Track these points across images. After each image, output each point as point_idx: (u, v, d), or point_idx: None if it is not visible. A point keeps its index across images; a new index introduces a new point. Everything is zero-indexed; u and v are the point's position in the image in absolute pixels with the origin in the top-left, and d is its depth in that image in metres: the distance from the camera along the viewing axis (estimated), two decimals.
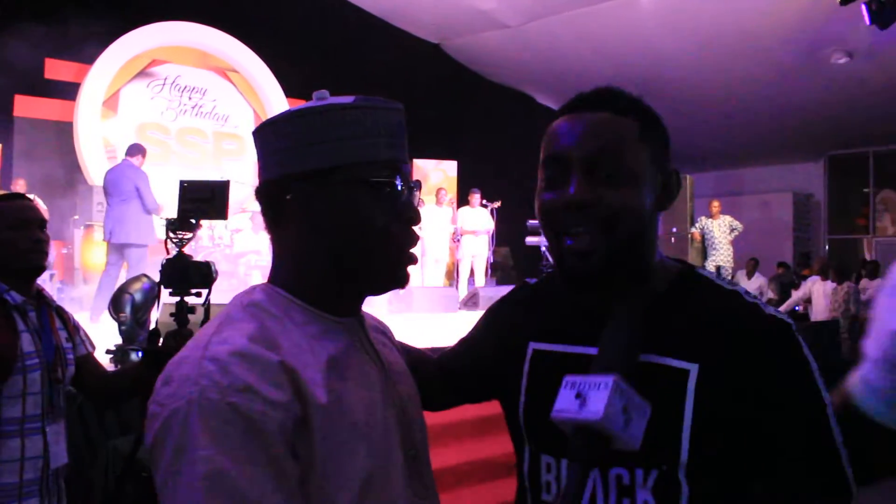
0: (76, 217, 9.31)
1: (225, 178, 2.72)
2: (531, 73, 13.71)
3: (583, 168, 1.06)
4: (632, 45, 11.97)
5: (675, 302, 1.10)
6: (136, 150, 7.66)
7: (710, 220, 11.99)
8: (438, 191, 11.49)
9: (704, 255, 12.16)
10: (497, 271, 12.32)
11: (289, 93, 11.65)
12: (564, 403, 0.95)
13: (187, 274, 2.46)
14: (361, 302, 1.12)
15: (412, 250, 1.09)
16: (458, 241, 11.20)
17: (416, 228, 1.09)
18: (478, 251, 11.27)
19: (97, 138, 10.41)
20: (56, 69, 10.13)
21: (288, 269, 1.07)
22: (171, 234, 2.57)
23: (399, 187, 1.05)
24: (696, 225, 12.11)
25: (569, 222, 1.07)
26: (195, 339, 0.99)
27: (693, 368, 1.03)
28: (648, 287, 1.12)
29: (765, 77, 12.00)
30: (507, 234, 12.15)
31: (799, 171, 15.34)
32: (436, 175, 12.66)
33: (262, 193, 1.07)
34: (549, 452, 1.14)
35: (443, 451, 4.02)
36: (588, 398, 0.93)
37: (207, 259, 2.58)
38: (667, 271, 1.14)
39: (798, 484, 1.04)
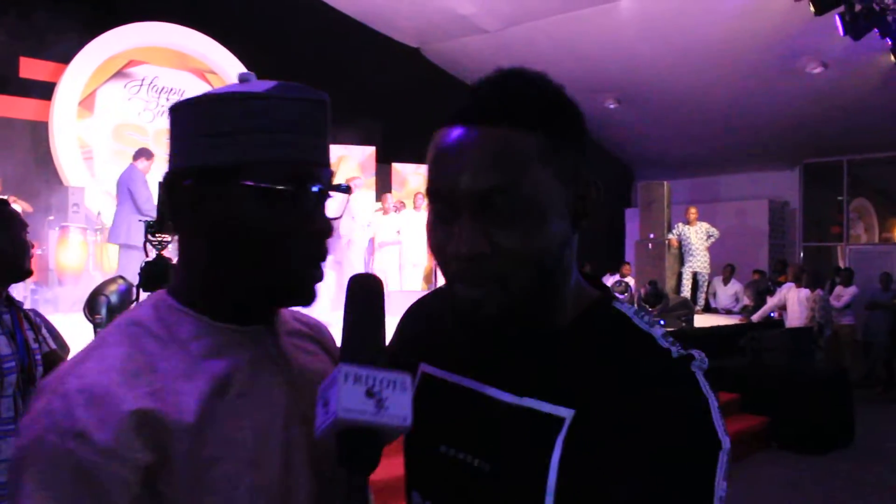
0: (51, 218, 9.21)
1: None
2: None
3: (472, 206, 0.86)
4: (609, 52, 12.04)
5: (572, 339, 0.92)
6: (139, 153, 7.72)
7: (688, 226, 12.10)
8: (416, 195, 11.50)
9: (681, 261, 12.25)
10: None
11: None
12: (319, 418, 0.84)
13: (166, 276, 2.46)
14: (269, 309, 1.00)
15: (320, 264, 0.96)
16: None
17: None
18: None
19: (73, 139, 10.29)
20: (31, 68, 10.01)
21: (182, 276, 0.98)
22: (151, 237, 2.57)
23: (307, 193, 0.92)
24: (674, 231, 12.20)
25: (459, 272, 0.89)
26: (68, 361, 0.90)
27: (568, 415, 0.87)
28: (552, 321, 0.94)
29: (741, 85, 12.12)
30: None
31: (775, 178, 15.47)
32: (415, 179, 12.66)
33: (163, 187, 0.96)
34: (418, 488, 1.02)
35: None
36: (329, 401, 0.82)
37: None
38: (579, 301, 0.96)
39: None
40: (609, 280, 12.80)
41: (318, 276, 0.96)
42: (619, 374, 0.86)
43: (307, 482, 0.96)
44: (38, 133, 10.11)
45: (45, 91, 10.11)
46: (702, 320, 10.52)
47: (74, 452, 0.80)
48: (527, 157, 0.86)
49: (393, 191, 12.32)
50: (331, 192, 0.97)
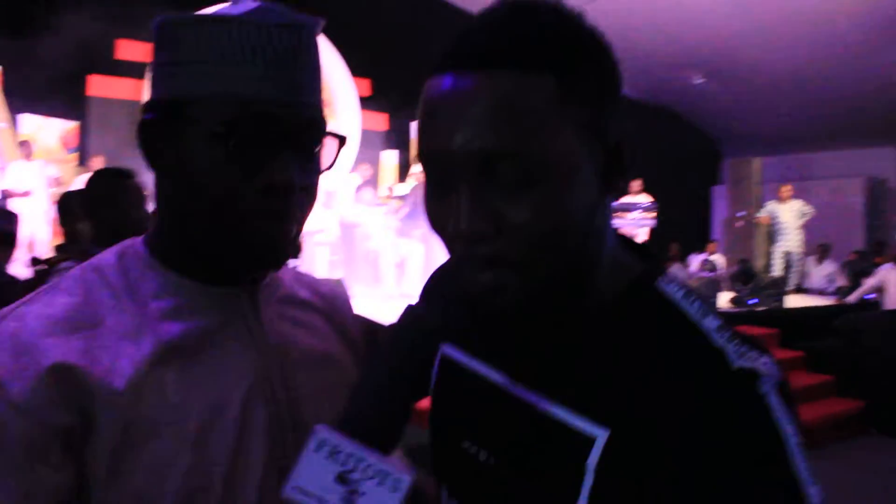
0: (147, 193, 9.55)
1: None
2: None
3: (472, 174, 0.68)
4: (697, 26, 11.73)
5: (607, 330, 0.75)
6: None
7: (780, 204, 11.73)
8: None
9: (772, 240, 11.91)
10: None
11: (355, 72, 11.73)
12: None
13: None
14: (249, 269, 0.88)
15: (283, 224, 0.82)
16: None
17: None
18: None
19: None
20: (127, 49, 10.37)
21: (155, 223, 0.88)
22: None
23: (253, 137, 0.77)
24: (765, 209, 11.86)
25: (467, 258, 0.71)
26: (19, 301, 0.83)
27: (601, 436, 0.70)
28: (583, 305, 0.77)
29: (835, 57, 11.63)
30: None
31: (872, 155, 14.84)
32: None
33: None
34: (446, 486, 0.87)
35: None
36: (295, 464, 0.66)
37: None
38: (617, 279, 0.77)
39: None
40: (696, 259, 12.54)
41: (280, 237, 0.81)
42: (667, 382, 0.68)
43: (259, 472, 0.83)
44: (134, 111, 10.48)
45: (139, 71, 10.46)
46: (794, 301, 10.21)
47: None
48: (539, 110, 0.67)
49: None
50: (323, 140, 0.83)
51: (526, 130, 0.67)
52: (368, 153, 11.39)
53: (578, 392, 0.73)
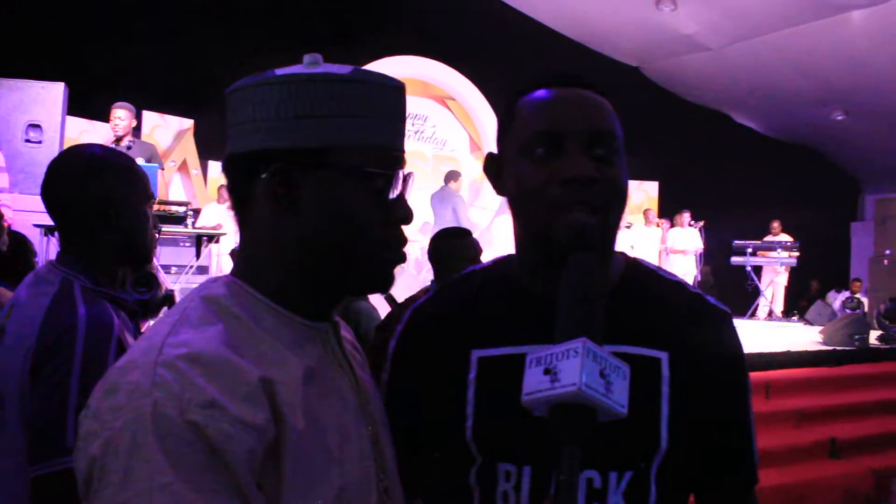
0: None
1: None
2: (732, 94, 13.71)
3: (582, 144, 1.00)
4: (838, 63, 11.79)
5: (629, 291, 1.08)
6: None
7: None
8: (646, 211, 12.12)
9: None
10: (703, 290, 12.47)
11: None
12: (534, 383, 0.83)
13: None
14: (336, 304, 0.97)
15: (402, 251, 0.95)
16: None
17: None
18: (686, 270, 11.70)
19: None
20: None
21: (255, 261, 0.91)
22: None
23: (399, 178, 0.92)
24: None
25: (567, 199, 0.99)
26: (146, 338, 0.81)
27: (664, 357, 1.04)
28: (607, 274, 1.09)
29: None
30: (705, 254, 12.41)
31: None
32: (637, 195, 13.05)
33: (231, 168, 0.91)
34: (509, 460, 1.03)
35: None
36: (559, 371, 0.81)
37: None
38: (616, 261, 1.12)
39: (724, 469, 1.08)
40: (838, 297, 12.43)
41: (401, 258, 0.95)
42: (684, 318, 1.08)
43: (374, 491, 0.92)
44: None
45: None
46: None
47: (202, 426, 0.72)
48: (614, 115, 1.06)
49: None
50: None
51: (614, 122, 1.05)
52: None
53: (633, 332, 1.04)
